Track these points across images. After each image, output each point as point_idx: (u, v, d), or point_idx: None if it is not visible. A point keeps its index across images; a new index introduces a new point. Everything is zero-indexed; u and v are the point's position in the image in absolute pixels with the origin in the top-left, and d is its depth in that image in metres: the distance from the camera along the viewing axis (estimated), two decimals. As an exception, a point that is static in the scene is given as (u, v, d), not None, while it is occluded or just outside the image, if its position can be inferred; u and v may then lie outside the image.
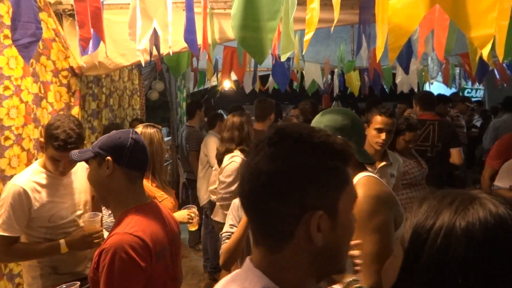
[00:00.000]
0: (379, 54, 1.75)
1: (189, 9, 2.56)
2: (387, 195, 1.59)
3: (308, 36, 2.05)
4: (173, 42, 2.83)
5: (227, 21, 3.17)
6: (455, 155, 3.88)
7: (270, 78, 6.90)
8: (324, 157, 0.77)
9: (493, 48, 1.86)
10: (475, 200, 0.71)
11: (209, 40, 3.14)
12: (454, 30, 3.11)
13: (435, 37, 2.19)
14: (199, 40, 2.98)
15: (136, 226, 1.48)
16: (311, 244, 0.76)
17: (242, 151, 3.13)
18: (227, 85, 7.89)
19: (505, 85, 6.25)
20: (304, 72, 6.40)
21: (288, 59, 5.44)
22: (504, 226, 0.67)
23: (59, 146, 2.00)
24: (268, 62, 5.51)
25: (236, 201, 2.26)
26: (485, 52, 1.46)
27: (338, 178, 0.78)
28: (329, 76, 7.06)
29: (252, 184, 0.78)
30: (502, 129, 5.59)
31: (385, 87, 6.84)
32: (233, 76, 6.07)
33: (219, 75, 5.86)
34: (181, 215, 2.39)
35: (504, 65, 5.27)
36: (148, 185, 2.36)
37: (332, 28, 2.11)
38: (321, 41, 6.01)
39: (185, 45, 2.86)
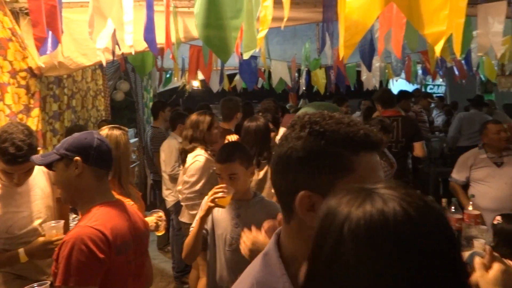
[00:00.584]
0: (341, 52, 1.78)
1: (149, 7, 2.52)
2: None
3: (262, 34, 2.06)
4: (136, 41, 2.78)
5: (192, 20, 3.14)
6: (418, 149, 4.00)
7: (238, 77, 6.89)
8: (322, 143, 0.83)
9: (450, 45, 1.92)
10: (368, 196, 0.66)
11: (173, 39, 3.11)
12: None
13: (392, 35, 2.25)
14: (163, 39, 2.95)
15: (97, 220, 1.54)
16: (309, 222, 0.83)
17: (205, 149, 3.11)
18: (195, 84, 7.82)
19: (463, 81, 6.49)
20: (271, 70, 6.43)
21: (255, 57, 5.45)
22: (385, 226, 0.61)
23: (9, 160, 1.92)
24: (235, 61, 5.52)
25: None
26: (438, 49, 1.50)
27: (335, 164, 0.82)
28: (296, 74, 7.11)
29: (272, 162, 0.92)
30: (466, 121, 5.86)
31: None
32: (201, 75, 6.03)
33: (185, 75, 5.80)
34: (148, 221, 2.35)
35: (462, 61, 5.46)
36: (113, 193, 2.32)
37: (282, 26, 2.12)
38: (288, 39, 6.05)
39: (148, 44, 2.81)
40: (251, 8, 2.15)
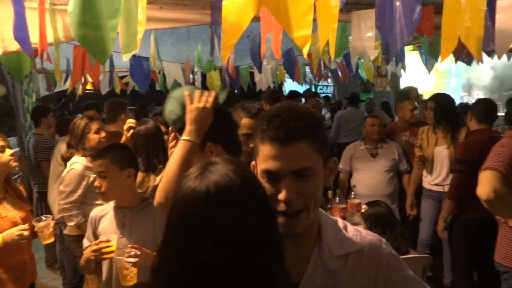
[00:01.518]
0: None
1: (17, 3, 2.31)
2: None
3: (139, 35, 2.04)
4: (8, 40, 2.53)
5: (71, 19, 2.95)
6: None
7: (129, 79, 6.63)
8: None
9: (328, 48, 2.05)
10: (203, 173, 0.85)
11: (51, 39, 2.88)
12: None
13: (272, 37, 2.35)
14: (37, 39, 2.72)
15: None
16: None
17: (85, 156, 2.95)
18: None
19: (346, 81, 7.05)
20: (165, 72, 6.31)
21: (147, 58, 5.30)
22: (210, 196, 0.81)
23: None
24: (126, 63, 5.30)
25: (93, 215, 2.15)
26: (305, 51, 1.61)
27: (256, 148, 1.03)
28: (192, 76, 7.08)
29: None
30: (343, 119, 6.33)
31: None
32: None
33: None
34: (8, 234, 2.11)
35: (344, 64, 5.92)
36: None
37: (142, 31, 2.12)
38: (182, 41, 5.98)
39: (23, 43, 2.58)
40: (129, 8, 2.08)
